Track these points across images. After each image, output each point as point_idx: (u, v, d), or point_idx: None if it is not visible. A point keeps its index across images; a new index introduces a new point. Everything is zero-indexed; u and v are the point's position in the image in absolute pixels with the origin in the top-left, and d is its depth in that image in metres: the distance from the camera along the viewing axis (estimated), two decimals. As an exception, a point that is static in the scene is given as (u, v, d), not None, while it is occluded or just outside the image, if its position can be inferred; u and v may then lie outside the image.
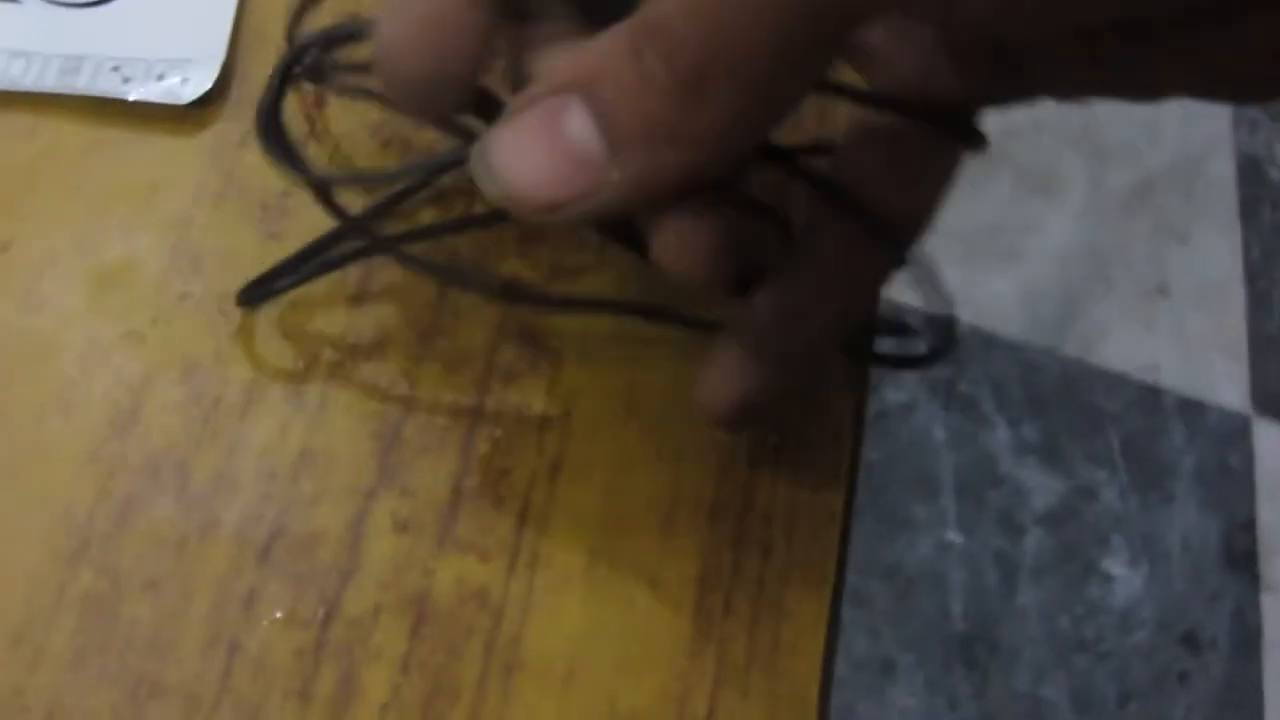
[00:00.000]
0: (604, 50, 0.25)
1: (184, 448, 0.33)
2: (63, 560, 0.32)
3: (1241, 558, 1.13)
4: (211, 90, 0.38)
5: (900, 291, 0.34)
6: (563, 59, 0.26)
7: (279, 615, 0.32)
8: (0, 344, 0.34)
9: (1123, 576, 1.08)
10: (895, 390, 1.13)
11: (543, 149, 0.25)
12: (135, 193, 0.36)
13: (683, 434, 0.36)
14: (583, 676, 0.33)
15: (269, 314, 0.35)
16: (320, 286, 0.36)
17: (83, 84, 0.37)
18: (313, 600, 0.32)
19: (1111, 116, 1.49)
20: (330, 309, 0.36)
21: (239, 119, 0.38)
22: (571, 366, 0.36)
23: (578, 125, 0.24)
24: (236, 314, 0.35)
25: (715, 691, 0.33)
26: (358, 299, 0.36)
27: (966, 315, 1.24)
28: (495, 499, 0.34)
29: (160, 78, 0.37)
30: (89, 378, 0.34)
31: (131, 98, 0.37)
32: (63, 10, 0.39)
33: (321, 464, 0.34)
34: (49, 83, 0.37)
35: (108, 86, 0.37)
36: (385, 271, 0.36)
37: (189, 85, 0.37)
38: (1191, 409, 1.18)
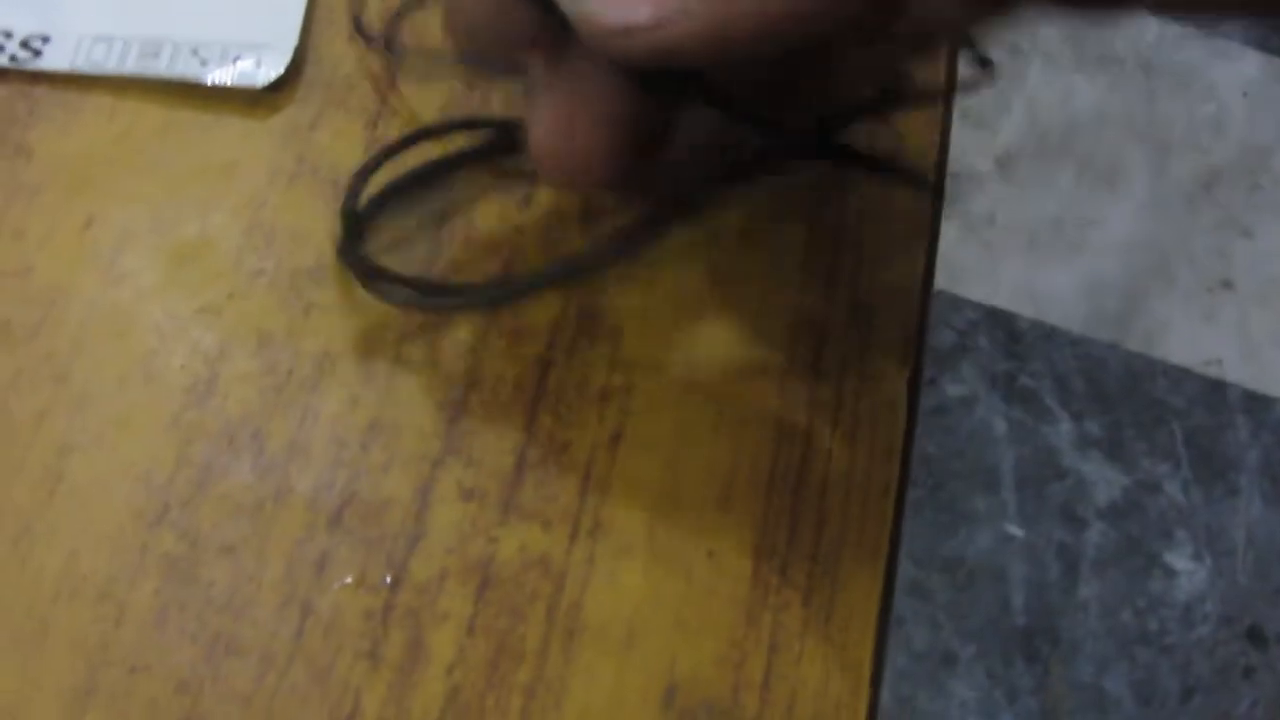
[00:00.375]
0: None
1: (259, 417, 0.35)
2: (145, 523, 0.33)
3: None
4: (285, 73, 0.39)
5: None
6: None
7: (349, 579, 0.33)
8: (83, 317, 0.35)
9: (1186, 570, 1.07)
10: (955, 384, 1.13)
11: None
12: (211, 173, 0.38)
13: (741, 407, 0.37)
14: (642, 641, 0.33)
15: (338, 291, 0.36)
16: (390, 260, 0.37)
17: (162, 67, 0.39)
18: (381, 565, 0.33)
19: (1175, 109, 1.48)
20: (397, 283, 0.37)
21: (312, 101, 0.39)
22: (632, 340, 0.37)
23: None
24: (309, 289, 0.36)
25: (771, 658, 0.34)
26: (424, 271, 0.37)
27: (1028, 309, 1.23)
28: (558, 468, 0.35)
29: (236, 60, 0.39)
30: (168, 349, 0.35)
31: (209, 81, 0.38)
32: (142, -6, 0.41)
33: (389, 434, 0.35)
34: (130, 66, 0.39)
35: (186, 69, 0.39)
36: (449, 250, 0.37)
37: (263, 69, 0.39)
38: (1256, 403, 1.17)
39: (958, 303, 1.21)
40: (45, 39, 0.39)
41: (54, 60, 0.39)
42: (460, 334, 0.36)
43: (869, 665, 0.34)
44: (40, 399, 0.34)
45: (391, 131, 0.39)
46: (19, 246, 0.36)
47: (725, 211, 0.39)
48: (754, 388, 0.37)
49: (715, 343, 0.37)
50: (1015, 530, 1.08)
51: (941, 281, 1.24)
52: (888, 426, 0.37)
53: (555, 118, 0.30)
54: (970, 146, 1.37)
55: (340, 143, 0.38)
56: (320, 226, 0.37)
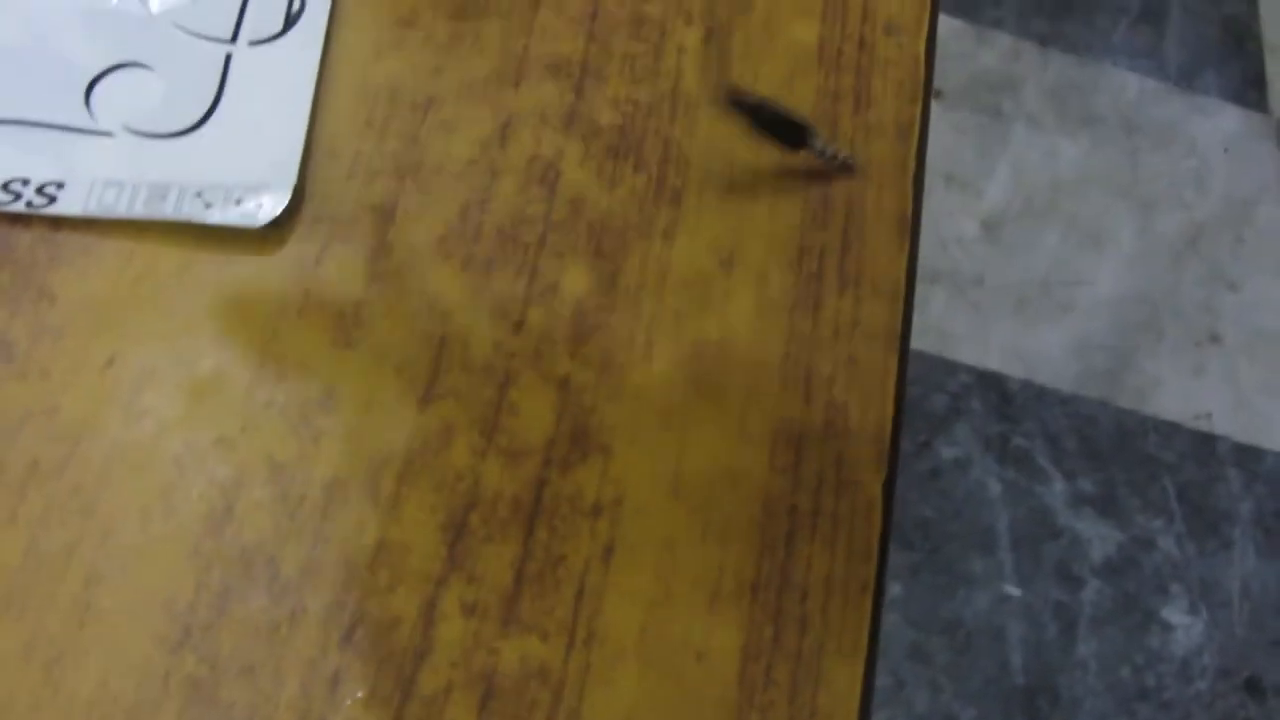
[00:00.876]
0: None
1: (273, 543, 0.37)
2: (168, 648, 0.36)
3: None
4: (288, 210, 0.42)
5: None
6: None
7: (360, 695, 0.35)
8: (107, 452, 0.38)
9: (1183, 624, 1.09)
10: (949, 447, 1.16)
11: None
12: (224, 309, 0.40)
13: (725, 515, 0.39)
14: (637, 745, 0.36)
15: (345, 419, 0.39)
16: (389, 393, 0.39)
17: (170, 209, 0.41)
18: (391, 680, 0.36)
19: (1158, 166, 1.51)
20: (399, 411, 0.39)
21: (316, 236, 0.42)
22: (621, 456, 0.39)
23: None
24: (317, 419, 0.39)
25: (760, 756, 0.36)
26: (424, 402, 0.39)
27: (1019, 370, 1.25)
28: (554, 582, 0.37)
29: (238, 202, 0.41)
30: (186, 481, 0.38)
31: (212, 222, 0.41)
32: (150, 141, 0.43)
33: (396, 554, 0.37)
34: (139, 209, 0.41)
35: (191, 211, 0.41)
36: (449, 376, 0.40)
37: (264, 209, 0.41)
38: (1246, 455, 1.19)
39: (950, 366, 1.23)
40: (60, 185, 0.42)
41: (68, 205, 0.41)
42: (461, 458, 0.39)
43: (852, 760, 0.36)
44: (69, 532, 0.37)
45: (392, 263, 0.42)
46: (45, 386, 0.39)
47: (705, 323, 0.42)
48: (737, 496, 0.39)
49: (700, 454, 0.40)
50: (1013, 590, 1.10)
51: (932, 345, 1.27)
52: (865, 529, 0.40)
53: None
54: (956, 209, 1.40)
55: (344, 275, 0.41)
56: (326, 356, 0.40)
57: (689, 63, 0.46)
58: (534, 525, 0.38)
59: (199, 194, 0.42)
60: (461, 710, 0.35)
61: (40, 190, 0.42)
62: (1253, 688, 1.06)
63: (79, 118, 0.43)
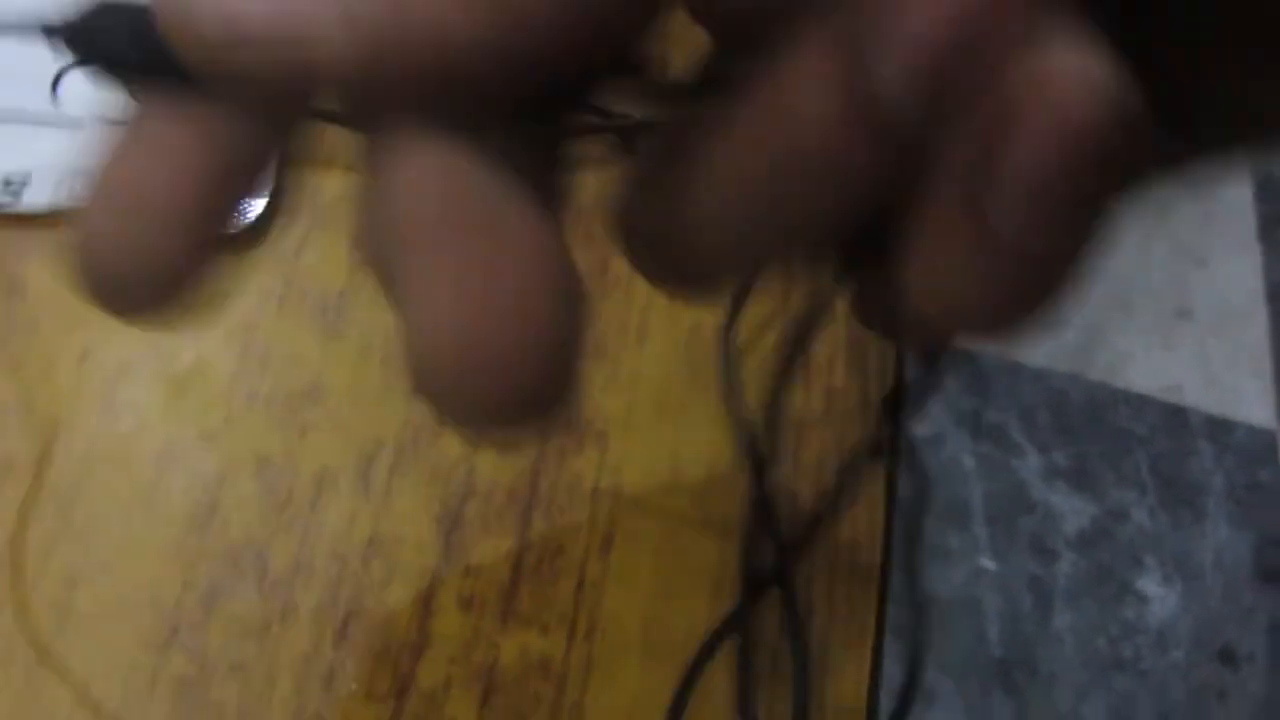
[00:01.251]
0: None
1: (261, 539, 0.36)
2: (154, 648, 0.34)
3: (1274, 573, 1.13)
4: (267, 207, 0.40)
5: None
6: None
7: (356, 689, 0.34)
8: (85, 449, 0.37)
9: (1158, 596, 1.09)
10: (921, 424, 1.15)
11: None
12: (202, 300, 0.39)
13: (724, 502, 0.38)
14: (642, 738, 0.35)
15: (333, 410, 0.38)
16: (377, 383, 0.38)
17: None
18: (388, 676, 0.35)
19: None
20: (388, 402, 0.38)
21: (296, 226, 0.40)
22: (617, 444, 0.38)
23: None
24: (303, 410, 0.38)
25: (767, 746, 0.35)
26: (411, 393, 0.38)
27: (991, 346, 1.25)
28: (553, 573, 0.36)
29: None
30: (169, 477, 0.36)
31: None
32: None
33: (389, 548, 0.36)
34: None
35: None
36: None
37: (251, 210, 0.40)
38: (1218, 427, 1.20)
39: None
40: (26, 177, 0.40)
41: (34, 198, 0.40)
42: (453, 448, 0.38)
43: (860, 747, 0.36)
44: (47, 532, 0.35)
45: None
46: (18, 380, 0.37)
47: (699, 309, 0.41)
48: (736, 482, 0.38)
49: (697, 441, 0.39)
50: (988, 564, 1.10)
51: (904, 321, 1.26)
52: (868, 512, 0.39)
53: None
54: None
55: (327, 265, 0.40)
56: (311, 347, 0.38)
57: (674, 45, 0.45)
58: (531, 516, 0.37)
59: None
60: (462, 705, 0.34)
61: (6, 183, 0.40)
62: (1226, 657, 1.07)
63: (44, 109, 0.41)
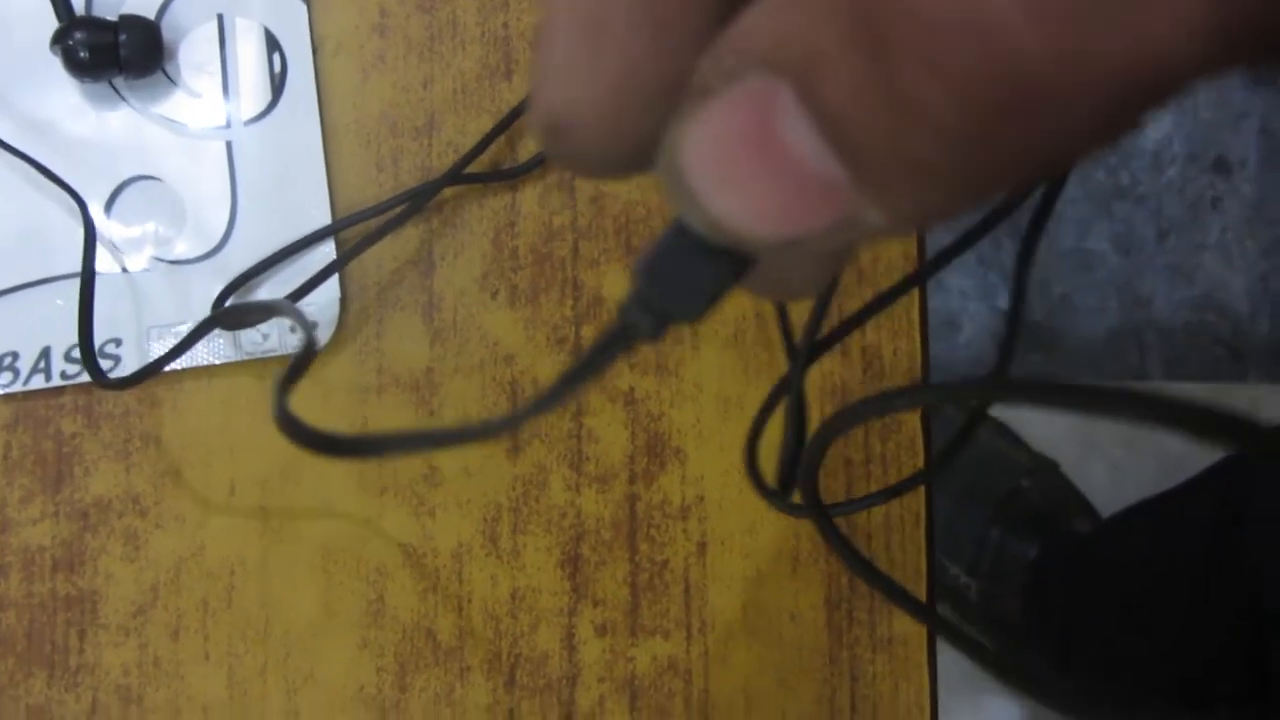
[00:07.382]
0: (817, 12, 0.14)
1: (427, 617, 0.44)
2: None
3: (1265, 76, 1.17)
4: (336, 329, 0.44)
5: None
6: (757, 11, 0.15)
7: None
8: (259, 573, 0.43)
9: (1150, 116, 1.13)
10: None
11: (757, 164, 0.16)
12: (313, 411, 0.44)
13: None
14: (758, 702, 0.44)
15: (451, 488, 0.44)
16: (481, 451, 0.44)
17: (232, 353, 0.44)
18: (555, 705, 0.44)
19: None
20: (496, 466, 0.44)
21: (367, 310, 0.44)
22: (694, 456, 0.45)
23: (797, 132, 0.15)
24: (428, 496, 0.44)
25: (853, 686, 0.45)
26: (513, 451, 0.44)
27: None
28: (662, 586, 0.44)
29: (293, 330, 0.43)
30: (336, 581, 0.44)
31: (274, 355, 0.44)
32: (184, 269, 0.44)
33: (529, 598, 0.44)
34: (200, 358, 0.44)
35: (251, 350, 0.44)
36: (530, 421, 0.44)
37: (319, 329, 0.43)
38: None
39: None
40: (118, 342, 0.43)
41: (131, 364, 0.43)
42: (559, 495, 0.44)
43: (926, 669, 0.45)
44: (257, 654, 0.43)
45: (446, 317, 0.44)
46: (184, 528, 0.43)
47: (743, 300, 0.45)
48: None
49: (765, 437, 0.45)
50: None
51: None
52: (911, 461, 0.46)
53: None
54: None
55: (407, 341, 0.44)
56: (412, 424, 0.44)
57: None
58: (635, 540, 0.44)
59: (266, 336, 0.43)
60: (616, 715, 0.44)
61: (100, 353, 0.43)
62: (1220, 166, 1.13)
63: (104, 259, 0.43)
